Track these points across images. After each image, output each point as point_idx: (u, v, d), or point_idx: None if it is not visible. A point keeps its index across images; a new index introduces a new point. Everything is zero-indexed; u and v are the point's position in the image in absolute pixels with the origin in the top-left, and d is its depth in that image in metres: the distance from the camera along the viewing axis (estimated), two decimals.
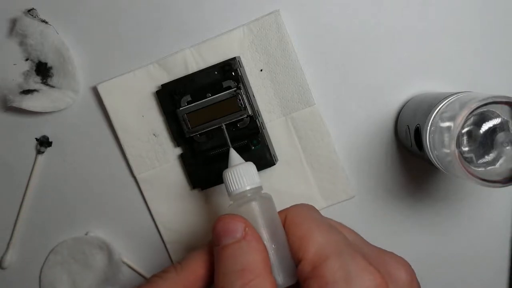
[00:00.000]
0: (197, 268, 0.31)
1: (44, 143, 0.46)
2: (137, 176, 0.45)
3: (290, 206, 0.33)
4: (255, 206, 0.32)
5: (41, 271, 0.47)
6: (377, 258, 0.30)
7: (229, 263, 0.30)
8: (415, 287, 0.30)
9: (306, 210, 0.33)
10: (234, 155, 0.36)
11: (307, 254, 0.30)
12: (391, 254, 0.31)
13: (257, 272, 0.29)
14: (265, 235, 0.31)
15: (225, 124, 0.41)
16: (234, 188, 0.34)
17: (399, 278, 0.30)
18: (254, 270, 0.29)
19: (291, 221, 0.32)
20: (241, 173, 0.34)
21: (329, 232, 0.31)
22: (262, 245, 0.30)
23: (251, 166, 0.35)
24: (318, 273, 0.29)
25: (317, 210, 0.33)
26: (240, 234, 0.30)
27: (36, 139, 0.46)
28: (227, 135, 0.40)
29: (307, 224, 0.31)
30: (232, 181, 0.34)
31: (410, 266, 0.31)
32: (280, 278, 0.30)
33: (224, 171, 0.35)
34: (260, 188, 0.35)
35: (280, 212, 0.33)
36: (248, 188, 0.34)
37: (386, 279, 0.28)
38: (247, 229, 0.30)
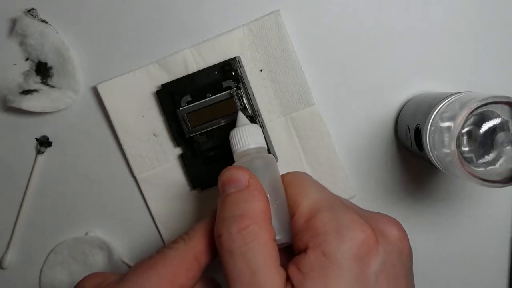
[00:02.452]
0: (203, 236, 0.31)
1: (44, 143, 0.46)
2: (137, 176, 0.45)
3: (288, 172, 0.34)
4: (258, 163, 0.33)
5: (41, 271, 0.47)
6: (370, 216, 0.30)
7: (229, 209, 0.30)
8: (406, 245, 0.30)
9: (303, 174, 0.34)
10: (241, 117, 0.38)
11: (301, 208, 0.30)
12: (384, 214, 0.31)
13: (256, 219, 0.29)
14: (267, 190, 0.31)
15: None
16: (239, 146, 0.35)
17: (390, 234, 0.30)
18: (252, 216, 0.29)
19: (288, 181, 0.33)
20: (246, 133, 0.35)
21: (323, 189, 0.32)
22: (264, 196, 0.30)
23: (256, 128, 0.36)
24: (310, 225, 0.29)
25: (312, 177, 0.34)
26: (244, 183, 0.30)
27: (36, 139, 0.46)
28: (237, 100, 0.41)
29: (302, 182, 0.32)
30: (237, 139, 0.35)
31: (401, 226, 0.31)
32: (279, 235, 0.31)
33: (231, 131, 0.36)
34: (264, 148, 0.36)
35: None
36: (252, 146, 0.35)
37: (376, 233, 0.29)
38: (250, 180, 0.31)
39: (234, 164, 0.34)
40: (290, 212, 0.31)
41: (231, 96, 0.41)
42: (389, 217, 0.31)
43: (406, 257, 0.30)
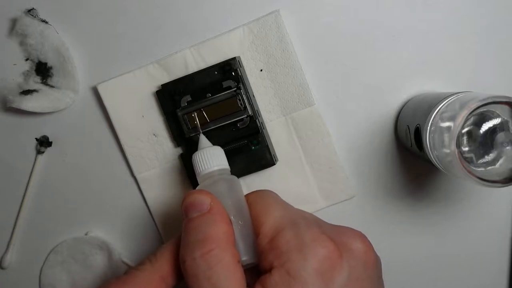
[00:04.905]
0: (170, 257, 0.32)
1: (44, 143, 0.46)
2: (137, 176, 0.45)
3: (252, 191, 0.34)
4: (221, 185, 0.33)
5: (41, 271, 0.47)
6: (333, 230, 0.31)
7: (192, 233, 0.30)
8: (371, 256, 0.30)
9: (267, 192, 0.34)
10: (203, 140, 0.38)
11: (264, 228, 0.31)
12: (348, 228, 0.32)
13: (218, 243, 0.29)
14: (231, 212, 0.32)
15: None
16: (202, 169, 0.36)
17: (354, 247, 0.30)
18: (215, 240, 0.29)
19: (251, 201, 0.33)
20: (208, 155, 0.36)
21: (285, 207, 0.32)
22: (227, 219, 0.31)
23: (218, 150, 0.37)
24: (273, 245, 0.30)
25: (277, 194, 0.35)
26: (206, 208, 0.31)
27: (36, 139, 0.46)
28: (198, 120, 0.41)
29: (265, 201, 0.33)
30: (200, 162, 0.36)
31: (366, 238, 0.31)
32: (245, 256, 0.31)
33: (193, 154, 0.37)
34: (227, 170, 0.36)
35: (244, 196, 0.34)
36: (215, 168, 0.35)
37: (339, 248, 0.29)
38: (212, 203, 0.31)
39: (198, 187, 0.34)
40: (255, 232, 0.32)
41: (232, 96, 0.41)
42: (353, 230, 0.31)
43: (371, 269, 0.30)
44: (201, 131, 0.40)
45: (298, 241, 0.29)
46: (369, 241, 0.31)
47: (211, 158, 0.36)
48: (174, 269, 0.31)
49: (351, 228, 0.32)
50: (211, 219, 0.30)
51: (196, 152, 0.37)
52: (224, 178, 0.34)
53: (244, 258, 0.31)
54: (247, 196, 0.34)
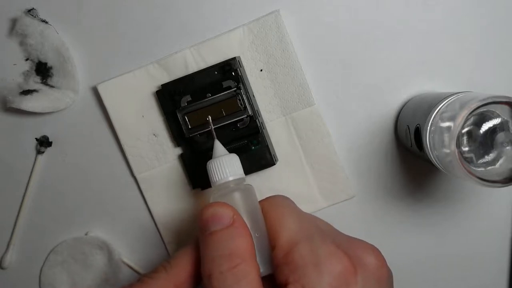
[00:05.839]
0: (186, 265, 0.32)
1: (44, 143, 0.46)
2: (137, 176, 0.45)
3: (266, 197, 0.34)
4: (238, 196, 0.33)
5: (41, 271, 0.47)
6: (347, 244, 0.31)
7: (217, 248, 0.30)
8: (384, 272, 0.30)
9: (281, 199, 0.34)
10: (218, 146, 0.37)
11: (279, 241, 0.31)
12: (362, 241, 0.32)
13: (244, 257, 0.29)
14: (248, 224, 0.31)
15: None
16: (218, 179, 0.35)
17: (368, 263, 0.30)
18: (241, 255, 0.29)
19: (266, 210, 0.33)
20: (224, 164, 0.35)
21: (301, 219, 0.32)
22: (249, 232, 0.31)
23: (234, 158, 0.36)
24: (288, 259, 0.30)
25: (291, 200, 0.34)
26: (228, 221, 0.31)
27: (36, 139, 0.46)
28: (212, 127, 0.40)
29: (280, 211, 0.32)
30: (215, 171, 0.35)
31: (380, 252, 0.31)
32: (262, 267, 0.31)
33: (208, 162, 0.35)
34: (242, 179, 0.35)
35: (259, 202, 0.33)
36: (231, 179, 0.35)
37: (354, 263, 0.29)
38: (235, 216, 0.31)
39: (212, 195, 0.34)
40: (270, 244, 0.31)
41: (232, 96, 0.41)
42: (367, 244, 0.31)
43: (384, 283, 0.30)
44: (215, 136, 0.38)
45: (314, 256, 0.29)
46: (382, 255, 0.31)
47: (227, 168, 0.35)
48: (188, 278, 0.31)
49: (365, 242, 0.31)
50: (235, 232, 0.30)
51: (211, 161, 0.35)
52: (241, 189, 0.34)
53: (262, 270, 0.31)
54: (261, 203, 0.34)
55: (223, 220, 0.31)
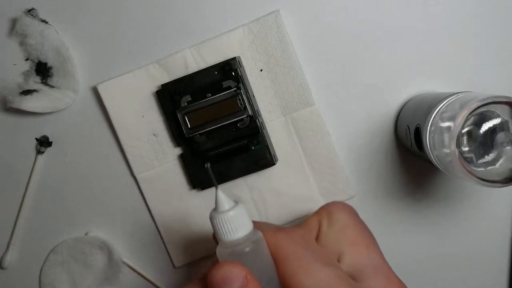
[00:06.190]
0: None
1: (44, 143, 0.46)
2: (137, 176, 0.45)
3: (271, 233, 0.31)
4: (249, 253, 0.30)
5: (41, 271, 0.47)
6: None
7: None
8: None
9: (289, 242, 0.31)
10: (221, 197, 0.31)
11: None
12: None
13: None
14: (261, 282, 0.29)
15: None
16: (225, 236, 0.30)
17: None
18: None
19: (276, 259, 0.31)
20: (232, 221, 0.30)
21: (314, 271, 0.30)
22: None
23: (242, 210, 0.31)
24: None
25: (298, 231, 0.32)
26: (241, 283, 0.29)
27: (36, 139, 0.46)
28: (212, 174, 0.32)
29: (290, 264, 0.30)
30: (223, 229, 0.30)
31: None
32: None
33: (212, 216, 0.30)
34: (252, 232, 0.31)
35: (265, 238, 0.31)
36: (241, 236, 0.30)
37: None
38: (248, 276, 0.29)
39: (219, 251, 0.31)
40: None
41: (232, 96, 0.41)
42: None
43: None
44: (217, 185, 0.31)
45: None
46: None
47: (236, 224, 0.30)
48: None
49: None
50: None
51: (216, 216, 0.30)
52: (251, 245, 0.30)
53: None
54: (268, 242, 0.31)
55: (236, 282, 0.29)
